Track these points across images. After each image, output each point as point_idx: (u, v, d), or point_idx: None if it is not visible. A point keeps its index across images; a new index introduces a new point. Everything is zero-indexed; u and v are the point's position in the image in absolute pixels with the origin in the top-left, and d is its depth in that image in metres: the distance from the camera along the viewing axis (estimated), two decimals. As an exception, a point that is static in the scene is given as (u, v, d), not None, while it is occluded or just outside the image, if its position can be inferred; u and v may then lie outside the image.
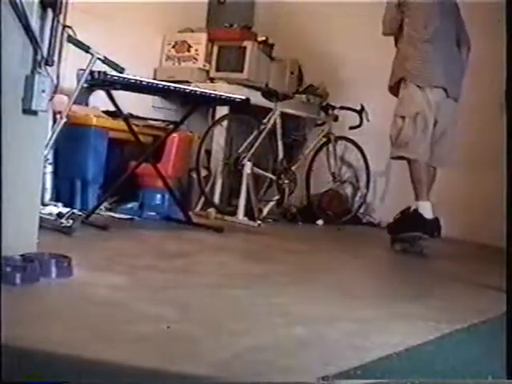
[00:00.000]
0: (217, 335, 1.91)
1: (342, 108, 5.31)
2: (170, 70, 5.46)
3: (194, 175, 4.89)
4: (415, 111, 4.01)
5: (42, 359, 1.50)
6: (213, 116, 5.09)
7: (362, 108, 5.20)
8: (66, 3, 2.37)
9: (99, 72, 3.61)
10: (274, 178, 5.13)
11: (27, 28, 2.25)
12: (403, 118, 4.04)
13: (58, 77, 2.51)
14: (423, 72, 4.01)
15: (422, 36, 4.03)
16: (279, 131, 5.10)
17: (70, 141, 4.03)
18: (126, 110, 4.04)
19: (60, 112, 3.64)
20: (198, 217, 4.57)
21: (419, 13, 4.08)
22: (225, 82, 5.29)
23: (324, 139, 5.31)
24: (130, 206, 4.35)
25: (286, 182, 5.10)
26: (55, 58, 2.39)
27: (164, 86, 3.94)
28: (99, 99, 4.23)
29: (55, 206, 3.70)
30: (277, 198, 5.13)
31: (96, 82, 3.65)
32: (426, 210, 3.95)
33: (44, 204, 3.59)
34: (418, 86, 4.01)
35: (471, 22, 4.36)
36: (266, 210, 5.01)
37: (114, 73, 3.68)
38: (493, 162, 4.05)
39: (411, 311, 2.41)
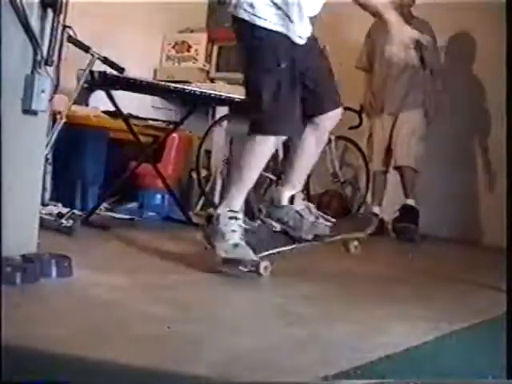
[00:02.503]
0: (217, 335, 1.91)
1: (341, 108, 5.29)
2: (170, 70, 5.46)
3: (194, 175, 4.89)
4: (410, 130, 4.81)
5: (42, 359, 1.50)
6: (213, 116, 5.09)
7: (362, 108, 5.20)
8: (66, 3, 2.37)
9: (99, 72, 3.61)
10: (273, 178, 5.13)
11: (27, 28, 2.25)
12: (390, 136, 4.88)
13: (58, 77, 2.51)
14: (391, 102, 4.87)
15: (389, 71, 4.75)
16: (279, 131, 5.08)
17: (70, 141, 4.03)
18: (125, 110, 4.04)
19: (60, 112, 3.64)
20: (198, 217, 4.56)
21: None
22: (225, 82, 5.29)
23: (324, 139, 5.30)
24: (129, 206, 4.36)
25: (286, 182, 5.09)
26: (55, 58, 2.38)
27: (164, 86, 3.94)
28: (99, 99, 4.23)
29: (55, 206, 3.70)
30: (277, 198, 5.11)
31: (96, 82, 3.65)
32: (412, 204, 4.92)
33: (44, 204, 3.59)
34: (390, 114, 4.86)
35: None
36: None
37: (114, 73, 3.68)
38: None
39: (411, 311, 2.41)
